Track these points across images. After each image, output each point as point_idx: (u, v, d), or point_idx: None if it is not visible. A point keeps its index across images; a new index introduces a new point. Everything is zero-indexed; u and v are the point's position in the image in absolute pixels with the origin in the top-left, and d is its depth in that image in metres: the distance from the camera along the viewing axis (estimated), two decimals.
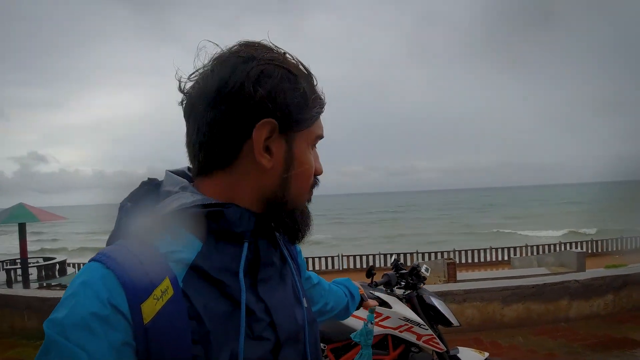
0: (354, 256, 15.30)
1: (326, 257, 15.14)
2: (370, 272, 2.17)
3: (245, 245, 0.61)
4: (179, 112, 0.64)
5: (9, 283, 11.41)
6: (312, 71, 0.64)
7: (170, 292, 0.54)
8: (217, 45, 0.62)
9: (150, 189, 0.64)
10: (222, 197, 0.61)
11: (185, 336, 0.53)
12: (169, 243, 0.57)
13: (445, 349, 2.21)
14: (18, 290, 8.26)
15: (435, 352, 2.23)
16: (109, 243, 0.60)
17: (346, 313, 1.18)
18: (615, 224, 26.19)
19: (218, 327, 0.56)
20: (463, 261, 15.03)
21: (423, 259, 14.53)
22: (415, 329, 2.20)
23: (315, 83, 0.64)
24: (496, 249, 15.46)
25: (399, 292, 2.31)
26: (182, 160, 0.66)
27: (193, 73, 0.62)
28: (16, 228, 9.14)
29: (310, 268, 13.78)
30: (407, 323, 2.20)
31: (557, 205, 58.74)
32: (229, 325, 0.57)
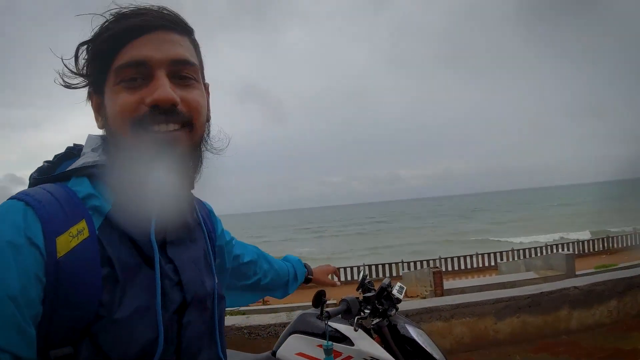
0: (339, 268, 14.68)
1: None
2: (319, 298, 1.54)
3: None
4: None
5: None
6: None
7: (86, 233, 0.56)
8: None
9: (74, 153, 0.68)
10: None
11: (95, 280, 0.55)
12: (88, 189, 0.60)
13: None
14: None
15: None
16: None
17: (285, 291, 1.21)
18: (609, 225, 26.36)
19: (127, 279, 0.58)
20: (450, 269, 14.67)
21: (409, 268, 14.08)
22: None
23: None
24: (482, 255, 15.16)
25: (366, 321, 1.72)
26: None
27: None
28: None
29: None
30: None
31: (545, 208, 59.62)
32: (137, 280, 0.59)
